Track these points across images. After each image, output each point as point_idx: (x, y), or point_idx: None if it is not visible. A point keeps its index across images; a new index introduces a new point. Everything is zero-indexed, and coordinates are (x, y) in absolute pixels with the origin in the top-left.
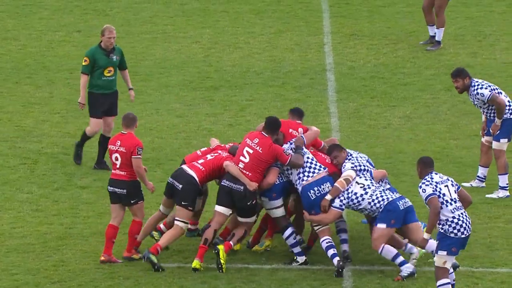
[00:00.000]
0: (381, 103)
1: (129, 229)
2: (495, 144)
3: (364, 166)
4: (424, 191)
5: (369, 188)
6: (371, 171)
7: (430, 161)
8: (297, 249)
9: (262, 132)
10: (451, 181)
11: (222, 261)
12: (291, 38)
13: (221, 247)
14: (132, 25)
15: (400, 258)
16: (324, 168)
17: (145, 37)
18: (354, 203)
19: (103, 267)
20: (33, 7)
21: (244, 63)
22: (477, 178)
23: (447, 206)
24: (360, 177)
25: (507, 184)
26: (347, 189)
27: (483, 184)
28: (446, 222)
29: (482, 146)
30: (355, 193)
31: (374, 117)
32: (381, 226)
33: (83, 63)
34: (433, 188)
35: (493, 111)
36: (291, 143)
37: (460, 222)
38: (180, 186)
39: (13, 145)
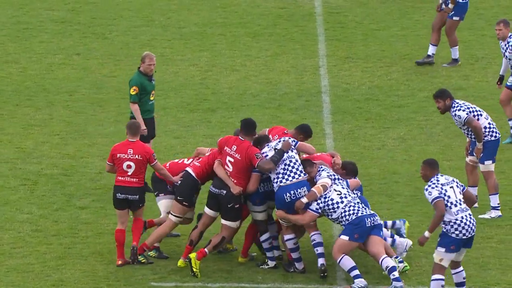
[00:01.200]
0: (376, 124)
1: (133, 226)
2: (481, 167)
3: (336, 175)
4: (430, 193)
5: (346, 198)
6: (346, 180)
7: (435, 162)
8: (270, 254)
9: (239, 137)
10: (456, 182)
11: (194, 269)
12: (287, 61)
13: (192, 256)
14: (131, 48)
15: (356, 272)
16: (305, 174)
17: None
18: (329, 209)
19: (102, 287)
20: (33, 31)
21: (241, 85)
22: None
23: (451, 208)
24: (337, 185)
25: (498, 204)
26: (325, 195)
27: (476, 205)
28: (448, 223)
29: (466, 165)
30: (332, 199)
31: (369, 138)
32: (344, 238)
33: (132, 93)
34: (439, 190)
35: (472, 133)
36: (277, 143)
37: (462, 224)
38: (178, 182)
39: (14, 166)
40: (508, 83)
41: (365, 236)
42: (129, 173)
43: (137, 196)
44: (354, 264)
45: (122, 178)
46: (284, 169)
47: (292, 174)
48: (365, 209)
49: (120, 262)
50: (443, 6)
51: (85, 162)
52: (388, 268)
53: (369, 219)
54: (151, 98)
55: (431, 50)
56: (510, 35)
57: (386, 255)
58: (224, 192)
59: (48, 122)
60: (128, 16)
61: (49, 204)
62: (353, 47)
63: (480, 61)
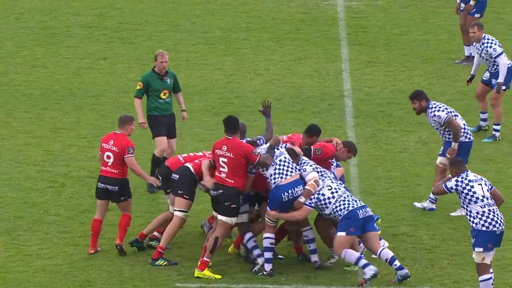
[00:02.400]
0: (398, 128)
1: (120, 222)
2: (444, 160)
3: (320, 168)
4: (450, 180)
5: (337, 192)
6: (333, 171)
7: (462, 161)
8: (257, 252)
9: (226, 137)
10: (485, 180)
11: (208, 277)
12: (310, 65)
13: (196, 273)
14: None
15: (363, 261)
16: (298, 170)
17: (169, 64)
18: (321, 204)
19: (127, 287)
20: (61, 36)
21: (265, 89)
22: (429, 199)
23: (476, 202)
24: (328, 179)
25: None
26: (318, 190)
27: (433, 206)
28: (477, 215)
29: (436, 167)
30: (323, 195)
31: (391, 141)
32: (341, 234)
33: (137, 88)
34: (458, 186)
35: (449, 133)
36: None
37: (491, 216)
38: (177, 176)
39: (41, 168)
40: (484, 78)
41: (360, 227)
42: (109, 164)
43: (116, 188)
44: (359, 254)
45: (104, 168)
46: (278, 167)
47: (286, 172)
48: (355, 201)
49: (92, 251)
50: (462, 5)
51: None
52: (388, 259)
53: (361, 211)
54: (162, 97)
55: (467, 51)
56: (484, 37)
57: (383, 247)
58: (221, 191)
59: (75, 126)
60: (153, 21)
61: (76, 206)
62: (375, 52)
63: None
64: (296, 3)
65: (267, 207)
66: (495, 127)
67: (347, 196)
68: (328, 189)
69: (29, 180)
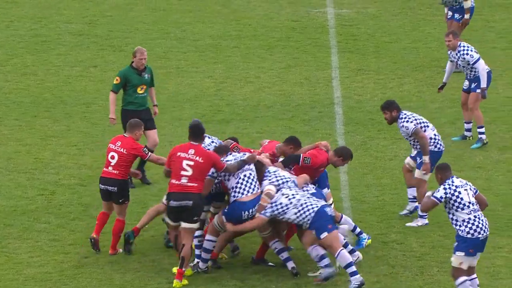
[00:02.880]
0: (388, 135)
1: (113, 228)
2: (417, 173)
3: (283, 178)
4: (438, 191)
5: (294, 197)
6: (293, 180)
7: (448, 166)
8: (197, 251)
9: (191, 142)
10: (469, 185)
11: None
12: (300, 73)
13: (175, 284)
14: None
15: (326, 261)
16: (259, 188)
17: (159, 72)
18: (279, 212)
19: None
20: (51, 44)
21: (255, 97)
22: (409, 200)
23: (463, 209)
24: (285, 188)
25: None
26: (274, 201)
27: (426, 221)
28: (462, 223)
29: (403, 167)
30: (280, 203)
31: (381, 149)
32: (324, 235)
33: (114, 82)
34: (446, 193)
35: (418, 143)
36: (243, 155)
37: (476, 223)
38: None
39: (32, 176)
40: (464, 87)
41: (334, 223)
42: (112, 164)
43: (116, 188)
44: (324, 252)
45: (105, 169)
46: (241, 182)
47: (248, 189)
48: (317, 201)
49: (94, 235)
50: (450, 13)
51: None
52: (343, 265)
53: (327, 209)
54: (139, 92)
55: None
56: (460, 44)
57: (343, 249)
58: (191, 203)
59: (65, 133)
60: (144, 29)
61: (66, 214)
62: (365, 59)
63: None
64: (287, 11)
65: (222, 215)
66: (479, 130)
67: (309, 197)
68: (286, 197)
69: (19, 188)
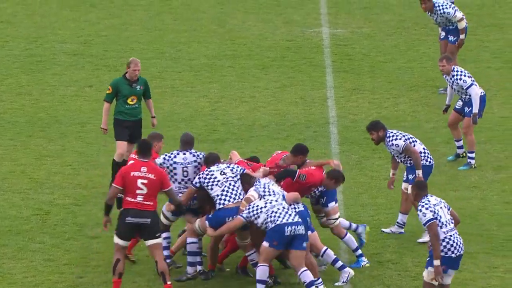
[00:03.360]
0: (383, 155)
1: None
2: (410, 189)
3: (272, 191)
4: (424, 215)
5: (270, 203)
6: (283, 194)
7: (425, 185)
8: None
9: (141, 160)
10: (443, 203)
11: None
12: (295, 92)
13: None
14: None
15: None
16: (242, 198)
17: (154, 91)
18: (253, 214)
19: None
20: (46, 63)
21: (250, 116)
22: (397, 224)
23: (441, 227)
24: (270, 195)
25: (404, 222)
26: (252, 203)
27: (402, 230)
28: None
29: (402, 193)
30: (257, 206)
31: (376, 168)
32: (265, 244)
33: (107, 92)
34: (433, 212)
35: (410, 159)
36: (226, 167)
37: (451, 242)
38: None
39: (26, 196)
40: (456, 107)
41: (284, 244)
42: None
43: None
44: (267, 276)
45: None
46: (226, 189)
47: (232, 196)
48: (290, 216)
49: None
50: (443, 34)
51: (96, 192)
52: (306, 283)
53: (289, 227)
54: (129, 102)
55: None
56: (453, 69)
57: (306, 269)
58: (149, 220)
59: (60, 153)
60: (139, 49)
61: (61, 234)
62: (360, 79)
63: (486, 93)
64: (281, 31)
65: (206, 220)
66: (469, 155)
67: (283, 210)
68: (264, 202)
69: (13, 208)
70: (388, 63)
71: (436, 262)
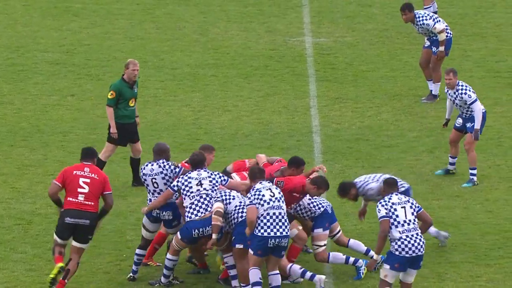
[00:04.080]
0: (366, 164)
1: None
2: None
3: (264, 198)
4: (379, 211)
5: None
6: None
7: (393, 182)
8: (134, 267)
9: (84, 162)
10: (411, 203)
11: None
12: (279, 101)
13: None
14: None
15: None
16: (210, 209)
17: (137, 100)
18: (226, 198)
19: None
20: (28, 73)
21: (233, 125)
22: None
23: (397, 227)
24: (237, 199)
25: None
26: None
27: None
28: (394, 241)
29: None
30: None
31: None
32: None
33: (109, 97)
34: (387, 210)
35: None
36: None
37: (406, 243)
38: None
39: (8, 206)
40: (456, 125)
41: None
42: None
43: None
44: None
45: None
46: (196, 203)
47: (201, 210)
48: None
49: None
50: (427, 42)
51: None
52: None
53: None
54: (130, 105)
55: (430, 85)
56: (458, 83)
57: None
58: (88, 222)
59: (42, 162)
60: (121, 58)
61: (43, 244)
62: (343, 88)
63: None
64: (264, 40)
65: (178, 234)
66: (472, 171)
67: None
68: (239, 201)
69: None
70: (371, 72)
71: (375, 257)
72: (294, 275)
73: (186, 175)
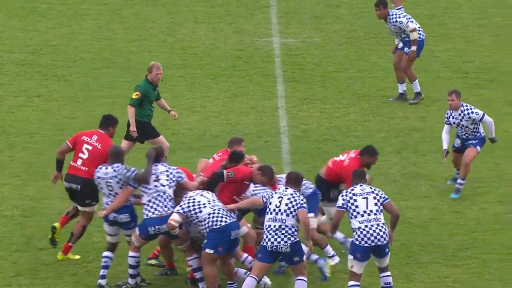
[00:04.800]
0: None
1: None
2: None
3: (196, 204)
4: (338, 201)
5: (214, 202)
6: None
7: (361, 173)
8: (102, 271)
9: (99, 130)
10: (376, 194)
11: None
12: (246, 102)
13: (59, 255)
14: (91, 89)
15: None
16: (172, 208)
17: (104, 101)
18: (194, 209)
19: None
20: None
21: (201, 126)
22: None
23: (356, 217)
24: (199, 195)
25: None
26: (188, 198)
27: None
28: (354, 231)
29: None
30: (199, 202)
31: None
32: (209, 251)
33: (134, 97)
34: (345, 201)
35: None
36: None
37: (364, 233)
38: None
39: None
40: (455, 145)
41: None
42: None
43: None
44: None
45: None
46: (153, 201)
47: (159, 208)
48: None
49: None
50: (401, 44)
51: (45, 204)
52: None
53: (234, 232)
54: (153, 105)
55: (401, 88)
56: (462, 104)
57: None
58: (79, 187)
59: (8, 164)
60: (88, 58)
61: (9, 246)
62: (311, 89)
63: (436, 103)
64: (232, 40)
65: (136, 230)
66: (461, 181)
67: (224, 212)
68: (206, 199)
69: None
70: (339, 73)
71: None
72: (240, 279)
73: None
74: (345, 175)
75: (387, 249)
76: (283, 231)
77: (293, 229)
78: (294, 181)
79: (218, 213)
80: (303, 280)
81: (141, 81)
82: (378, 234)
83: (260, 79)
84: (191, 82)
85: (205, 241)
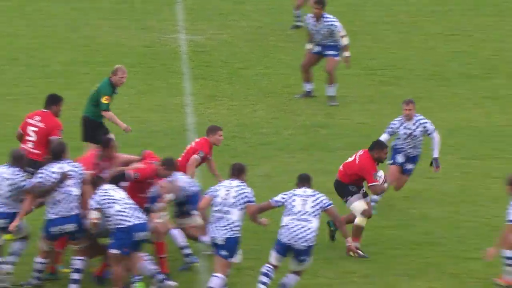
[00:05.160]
0: (242, 162)
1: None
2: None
3: (111, 198)
4: (278, 195)
5: (124, 200)
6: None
7: (305, 178)
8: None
9: (42, 110)
10: (317, 198)
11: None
12: (153, 99)
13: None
14: None
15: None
16: (77, 209)
17: (7, 98)
18: (107, 202)
19: None
20: None
21: (108, 123)
22: None
23: (289, 214)
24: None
25: None
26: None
27: None
28: (282, 226)
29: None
30: (111, 196)
31: None
32: (115, 252)
33: (105, 101)
34: (285, 196)
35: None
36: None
37: (286, 228)
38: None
39: None
40: (400, 160)
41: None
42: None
43: None
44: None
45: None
46: (57, 202)
47: (60, 209)
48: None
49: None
50: (318, 48)
51: None
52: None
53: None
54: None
55: (307, 87)
56: (416, 115)
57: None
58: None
59: None
60: None
61: None
62: (218, 86)
63: (343, 99)
64: (138, 37)
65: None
66: (376, 198)
67: (134, 211)
68: (119, 195)
69: None
70: (246, 70)
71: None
72: (144, 273)
73: (48, 169)
74: (362, 173)
75: (306, 258)
76: (223, 223)
77: (235, 223)
78: (237, 172)
79: (127, 212)
80: (219, 277)
81: (103, 83)
82: (297, 235)
83: (167, 76)
84: (97, 79)
85: (112, 241)
